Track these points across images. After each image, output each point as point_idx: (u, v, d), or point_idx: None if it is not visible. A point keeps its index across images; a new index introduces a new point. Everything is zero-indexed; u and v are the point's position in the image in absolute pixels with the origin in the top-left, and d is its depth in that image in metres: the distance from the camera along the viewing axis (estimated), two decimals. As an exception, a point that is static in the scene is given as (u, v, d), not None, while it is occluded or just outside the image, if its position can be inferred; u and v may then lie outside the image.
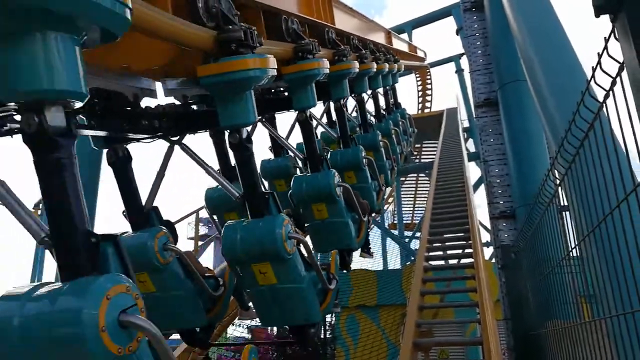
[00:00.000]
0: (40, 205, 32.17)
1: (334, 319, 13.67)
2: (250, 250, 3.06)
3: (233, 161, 3.96)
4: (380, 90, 9.03)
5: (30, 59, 1.51)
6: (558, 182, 3.49)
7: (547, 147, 7.11)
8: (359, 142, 5.90)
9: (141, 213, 3.28)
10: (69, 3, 1.49)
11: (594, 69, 1.89)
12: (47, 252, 2.16)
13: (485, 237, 19.88)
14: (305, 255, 3.32)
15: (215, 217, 5.00)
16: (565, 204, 3.59)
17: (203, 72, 2.78)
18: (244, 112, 2.95)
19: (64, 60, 1.57)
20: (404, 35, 21.73)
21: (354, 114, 7.39)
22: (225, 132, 3.31)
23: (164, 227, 3.23)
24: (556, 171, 3.48)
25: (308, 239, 4.61)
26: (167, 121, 3.32)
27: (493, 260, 9.85)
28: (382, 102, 9.05)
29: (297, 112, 4.41)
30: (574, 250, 3.31)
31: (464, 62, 23.84)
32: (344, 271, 5.31)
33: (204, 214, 7.66)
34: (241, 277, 3.25)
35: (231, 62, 2.75)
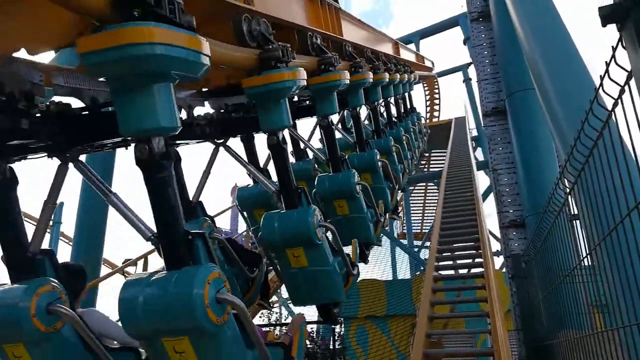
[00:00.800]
0: (52, 216, 32.26)
1: (343, 329, 13.60)
2: (286, 237, 3.51)
3: (261, 163, 4.90)
4: (393, 97, 9.21)
5: (145, 105, 2.01)
6: (568, 190, 3.47)
7: (556, 156, 7.08)
8: (374, 147, 6.28)
9: (189, 206, 3.74)
10: (179, 66, 2.02)
11: (601, 78, 1.89)
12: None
13: (496, 246, 19.76)
14: (332, 242, 3.76)
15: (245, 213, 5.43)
16: (576, 212, 3.57)
17: (248, 84, 3.25)
18: (281, 117, 3.44)
19: (164, 103, 2.06)
20: (412, 46, 21.81)
21: (366, 121, 7.59)
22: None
23: (207, 218, 3.76)
24: (566, 180, 3.47)
25: None
26: (214, 127, 3.89)
27: (504, 270, 9.76)
28: (395, 109, 9.36)
29: (320, 118, 4.84)
30: (585, 260, 3.28)
31: (472, 72, 23.84)
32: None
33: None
34: (276, 261, 3.78)
35: (272, 75, 3.23)
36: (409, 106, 11.30)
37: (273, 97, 3.38)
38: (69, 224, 32.03)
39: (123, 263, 8.97)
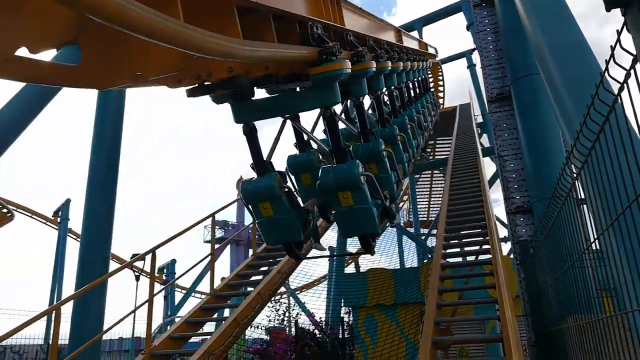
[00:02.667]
0: (60, 212, 32.59)
1: (352, 318, 13.67)
2: (338, 183, 4.69)
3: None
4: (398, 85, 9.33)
5: (334, 92, 4.61)
6: (575, 175, 3.45)
7: (563, 141, 7.03)
8: (378, 136, 6.34)
9: (264, 165, 4.81)
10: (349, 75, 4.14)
11: (607, 62, 1.87)
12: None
13: (503, 232, 19.73)
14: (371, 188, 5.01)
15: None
16: (583, 197, 3.56)
17: (315, 72, 4.37)
18: (334, 96, 4.61)
19: (337, 90, 4.46)
20: (414, 33, 21.65)
21: (369, 110, 7.63)
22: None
23: (277, 173, 4.75)
24: (572, 165, 3.45)
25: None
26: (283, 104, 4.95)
27: (511, 256, 9.76)
28: (400, 96, 9.51)
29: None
30: (593, 244, 3.27)
31: (476, 57, 23.66)
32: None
33: (218, 217, 7.73)
34: (328, 202, 5.12)
35: (330, 65, 4.39)
36: (417, 91, 11.72)
37: (330, 80, 4.45)
38: (76, 220, 32.32)
39: (131, 258, 9.03)
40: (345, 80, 5.15)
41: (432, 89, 15.82)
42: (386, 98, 8.34)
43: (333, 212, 5.32)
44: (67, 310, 6.40)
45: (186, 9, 2.71)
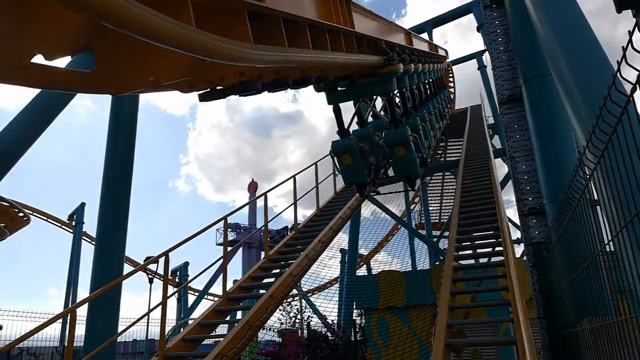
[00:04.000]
0: (75, 216, 32.95)
1: (363, 321, 13.64)
2: (396, 140, 8.00)
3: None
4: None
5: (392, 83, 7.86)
6: (588, 176, 3.43)
7: (575, 142, 6.97)
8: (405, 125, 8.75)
9: (346, 132, 8.28)
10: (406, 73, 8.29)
11: (619, 63, 1.87)
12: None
13: (516, 234, 19.55)
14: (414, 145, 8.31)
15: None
16: (597, 198, 3.53)
17: (384, 71, 7.09)
18: (392, 85, 7.58)
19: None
20: (424, 35, 21.60)
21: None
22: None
23: (354, 137, 8.14)
24: (585, 166, 3.43)
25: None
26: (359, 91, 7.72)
27: (524, 258, 9.68)
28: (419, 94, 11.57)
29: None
30: (608, 246, 3.25)
31: (487, 59, 23.53)
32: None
33: (230, 220, 7.79)
34: (388, 154, 8.36)
35: (392, 66, 7.19)
36: (433, 90, 13.91)
37: (391, 76, 7.36)
38: (91, 224, 32.65)
39: (144, 261, 9.09)
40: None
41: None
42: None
43: (390, 160, 8.81)
44: (82, 312, 6.49)
45: (198, 14, 2.75)
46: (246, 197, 38.14)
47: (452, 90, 25.70)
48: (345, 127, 8.38)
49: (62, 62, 3.05)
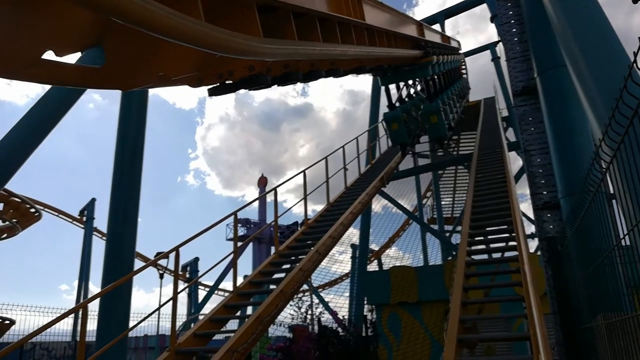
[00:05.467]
0: (85, 212, 33.28)
1: (375, 316, 13.61)
2: (431, 110, 11.97)
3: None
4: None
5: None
6: (604, 169, 3.36)
7: (591, 134, 6.83)
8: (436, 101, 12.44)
9: (393, 105, 11.75)
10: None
11: (635, 54, 1.80)
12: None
13: (530, 229, 19.36)
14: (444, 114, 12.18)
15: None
16: (613, 191, 3.45)
17: (425, 61, 10.34)
18: (428, 71, 10.87)
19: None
20: (437, 26, 21.39)
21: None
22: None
23: (400, 109, 11.66)
24: (601, 159, 3.35)
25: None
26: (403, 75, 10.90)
27: (539, 253, 9.57)
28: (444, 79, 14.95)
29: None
30: (623, 240, 3.18)
31: (500, 50, 23.26)
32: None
33: (240, 215, 7.78)
34: (425, 121, 12.36)
35: (429, 57, 10.46)
36: (454, 76, 17.15)
37: (427, 65, 10.43)
38: (102, 219, 32.96)
39: (155, 256, 9.14)
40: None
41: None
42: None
43: (426, 126, 12.62)
44: (94, 307, 6.56)
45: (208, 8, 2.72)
46: (255, 192, 38.22)
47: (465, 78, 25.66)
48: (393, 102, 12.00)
49: (71, 58, 3.05)
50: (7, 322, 17.49)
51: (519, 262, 6.07)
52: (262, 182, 37.82)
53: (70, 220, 33.86)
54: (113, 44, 3.18)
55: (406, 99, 12.79)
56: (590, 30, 5.14)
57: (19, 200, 19.05)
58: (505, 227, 8.34)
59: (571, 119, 6.91)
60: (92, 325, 6.79)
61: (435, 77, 12.74)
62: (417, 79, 12.39)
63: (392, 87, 11.74)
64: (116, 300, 7.07)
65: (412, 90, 13.18)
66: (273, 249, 9.90)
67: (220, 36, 2.81)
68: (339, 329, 14.05)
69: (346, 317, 15.37)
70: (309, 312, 15.59)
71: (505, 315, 8.51)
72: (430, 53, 10.48)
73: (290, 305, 13.93)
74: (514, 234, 7.60)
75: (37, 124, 8.79)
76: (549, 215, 7.16)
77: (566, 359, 6.42)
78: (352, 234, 20.51)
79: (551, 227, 7.09)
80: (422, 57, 10.25)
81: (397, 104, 12.02)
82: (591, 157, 3.74)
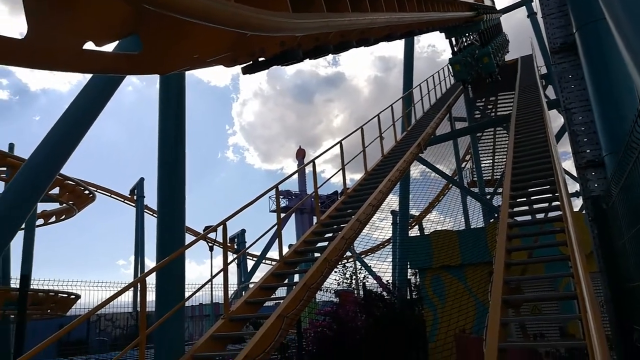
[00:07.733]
0: (135, 190, 34.54)
1: (418, 280, 13.73)
2: (484, 53, 18.40)
3: None
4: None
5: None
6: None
7: (635, 89, 6.54)
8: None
9: (456, 53, 18.16)
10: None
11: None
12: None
13: (575, 187, 18.82)
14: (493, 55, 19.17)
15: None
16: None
17: (478, 19, 15.04)
18: (480, 26, 15.90)
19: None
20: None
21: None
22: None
23: (462, 56, 18.17)
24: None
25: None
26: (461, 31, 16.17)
27: (584, 212, 9.36)
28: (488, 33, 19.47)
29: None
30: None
31: (536, 5, 22.24)
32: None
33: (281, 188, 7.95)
34: (479, 62, 18.56)
35: (480, 16, 15.07)
36: (496, 30, 21.30)
37: (479, 22, 15.22)
38: (151, 197, 34.09)
39: (204, 230, 9.46)
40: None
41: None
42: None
43: (480, 66, 18.58)
44: (151, 280, 6.92)
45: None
46: (293, 164, 38.64)
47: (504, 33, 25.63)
48: (455, 50, 17.77)
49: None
50: (73, 296, 18.69)
51: (563, 222, 6.00)
52: (300, 154, 38.07)
53: (122, 199, 35.23)
54: (148, 31, 3.29)
55: (461, 49, 17.99)
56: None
57: (73, 183, 19.90)
58: (548, 187, 8.20)
59: (613, 74, 6.61)
60: (150, 296, 7.20)
61: (484, 31, 17.60)
62: (471, 33, 17.17)
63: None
64: (171, 272, 7.44)
65: (467, 41, 18.30)
66: (315, 219, 10.09)
67: (252, 15, 2.87)
68: (384, 293, 14.28)
69: (390, 281, 15.56)
70: (354, 277, 15.88)
71: (549, 275, 8.44)
72: (481, 13, 14.97)
73: (335, 271, 14.23)
74: (557, 194, 7.48)
75: (84, 110, 9.15)
76: (593, 173, 6.97)
77: (615, 316, 6.37)
78: (392, 201, 20.49)
79: (596, 185, 6.92)
80: (476, 17, 14.65)
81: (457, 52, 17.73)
82: (635, 113, 3.63)
